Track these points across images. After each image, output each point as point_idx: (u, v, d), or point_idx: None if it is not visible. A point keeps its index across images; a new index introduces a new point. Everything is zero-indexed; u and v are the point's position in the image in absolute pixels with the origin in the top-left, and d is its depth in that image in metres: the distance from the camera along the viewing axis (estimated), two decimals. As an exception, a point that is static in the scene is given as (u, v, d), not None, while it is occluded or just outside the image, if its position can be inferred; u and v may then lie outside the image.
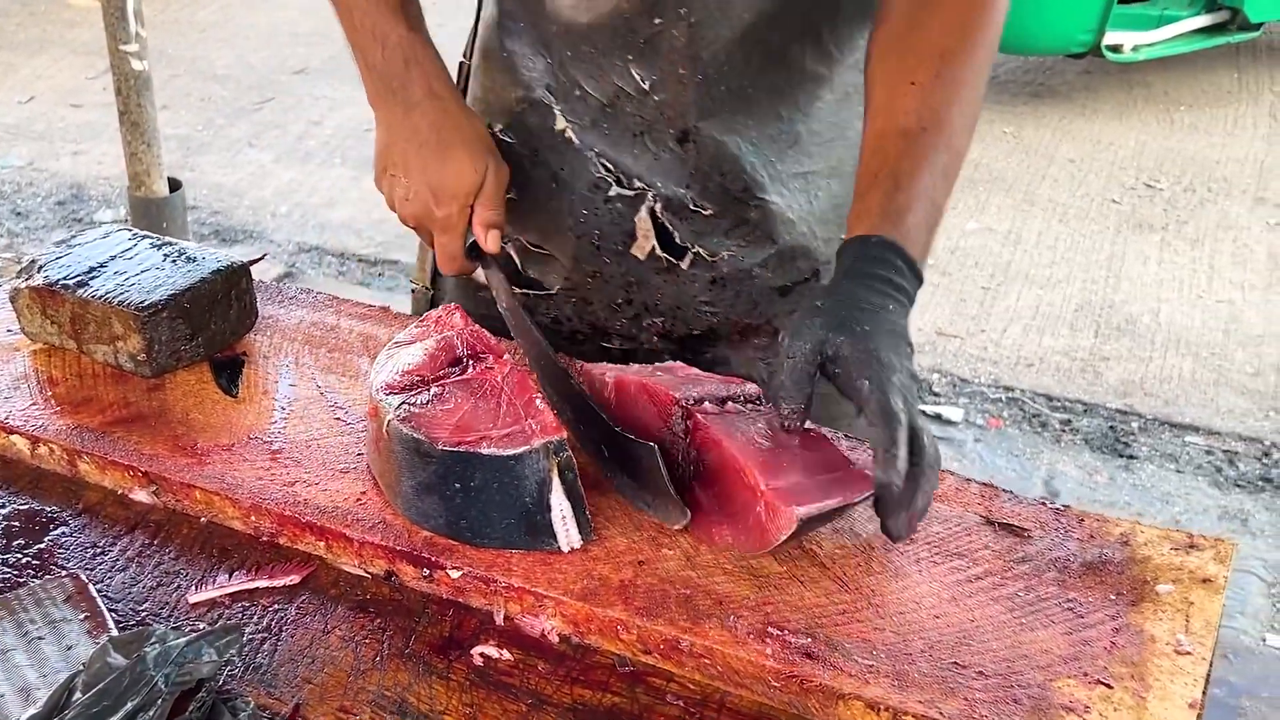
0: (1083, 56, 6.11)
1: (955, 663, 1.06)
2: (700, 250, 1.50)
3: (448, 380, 1.25)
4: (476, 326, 1.34)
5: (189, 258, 1.48)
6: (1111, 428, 3.94)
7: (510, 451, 1.15)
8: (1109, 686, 1.04)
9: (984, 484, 1.27)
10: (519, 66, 1.51)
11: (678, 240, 1.50)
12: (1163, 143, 5.94)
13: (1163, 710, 1.01)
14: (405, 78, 1.41)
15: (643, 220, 1.50)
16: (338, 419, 1.36)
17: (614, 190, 1.49)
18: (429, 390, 1.23)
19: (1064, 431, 3.93)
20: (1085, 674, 1.05)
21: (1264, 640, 3.12)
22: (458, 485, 1.16)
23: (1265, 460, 3.79)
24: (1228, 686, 2.88)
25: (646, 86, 1.42)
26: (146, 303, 1.39)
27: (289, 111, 6.28)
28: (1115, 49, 6.00)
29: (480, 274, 1.57)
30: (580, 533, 1.18)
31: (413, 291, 1.79)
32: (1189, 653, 1.07)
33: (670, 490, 1.18)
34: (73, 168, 5.68)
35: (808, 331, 1.16)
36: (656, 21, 1.38)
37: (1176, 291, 4.69)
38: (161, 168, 4.03)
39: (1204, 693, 1.06)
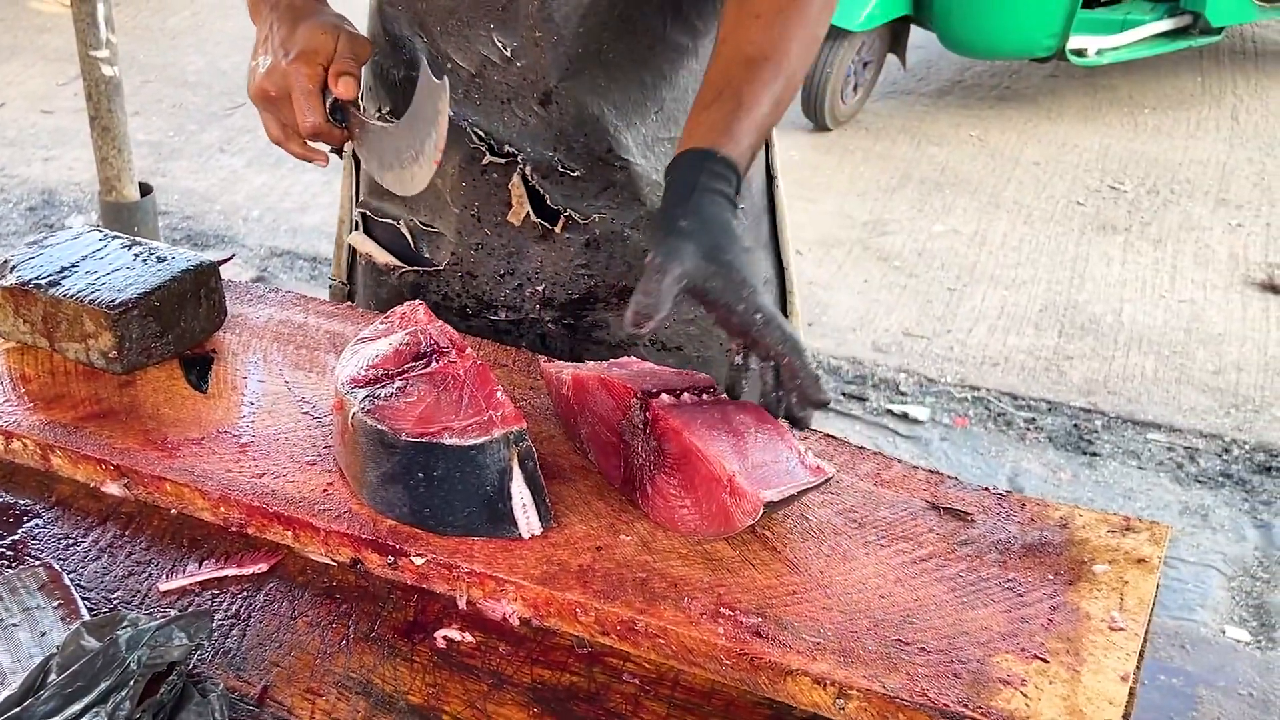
0: (1047, 60, 6.19)
1: (899, 640, 1.10)
2: (573, 213, 1.58)
3: (411, 374, 1.29)
4: (441, 323, 1.37)
5: (159, 257, 1.52)
6: (1075, 426, 4.00)
7: (472, 441, 1.19)
8: (1045, 661, 1.08)
9: (930, 471, 1.32)
10: (401, 48, 1.60)
11: (550, 204, 1.58)
12: (1127, 145, 6.02)
13: (1096, 683, 1.06)
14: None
15: (516, 185, 1.57)
16: (305, 413, 1.39)
17: (488, 159, 1.56)
18: (393, 383, 1.27)
19: (1029, 430, 3.99)
20: (1023, 649, 1.09)
21: (1223, 632, 3.18)
22: (421, 475, 1.20)
23: (1225, 456, 3.86)
24: (1185, 676, 2.95)
25: (509, 54, 1.50)
26: (117, 301, 1.43)
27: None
28: (1079, 53, 6.08)
29: (368, 247, 1.65)
30: (540, 520, 1.22)
31: (330, 286, 1.87)
32: (1122, 629, 1.11)
33: (442, 137, 1.31)
34: (44, 173, 5.68)
35: (679, 256, 1.23)
36: None
37: (1139, 291, 4.76)
38: (132, 173, 4.05)
39: (1137, 667, 1.10)
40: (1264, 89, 6.65)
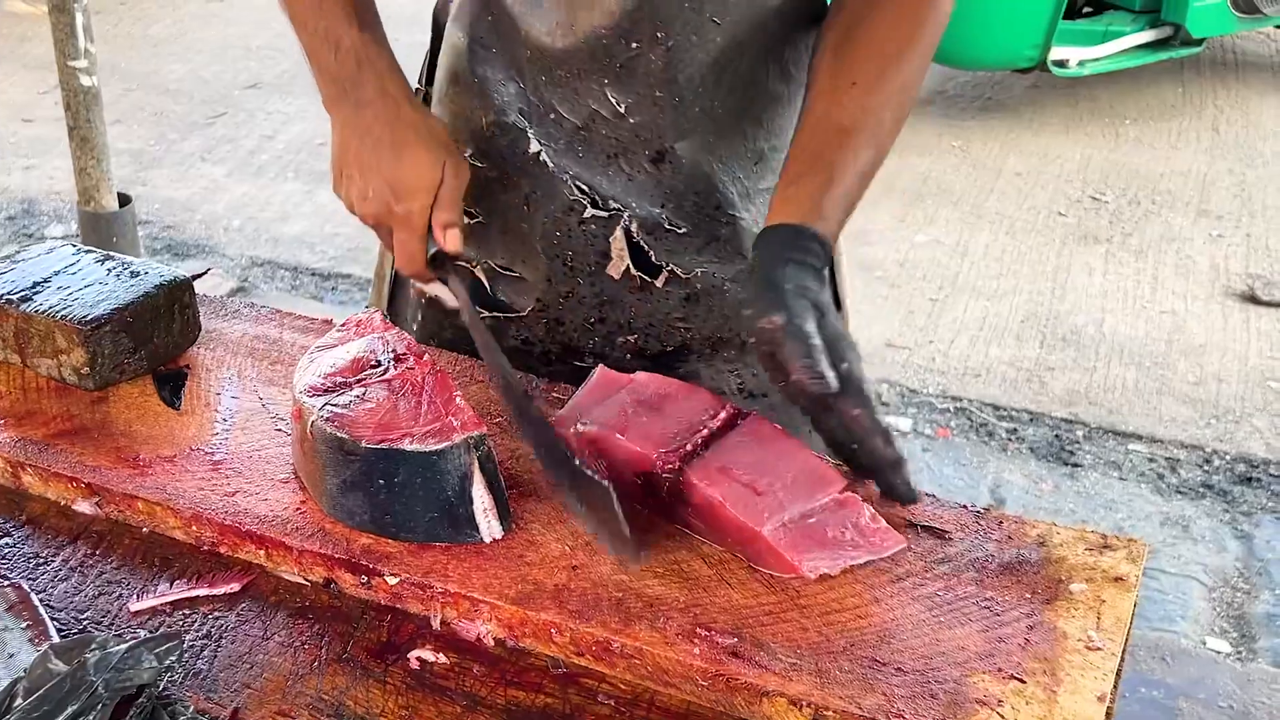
0: (1029, 71, 6.20)
1: (876, 660, 1.10)
2: (675, 268, 1.54)
3: (369, 380, 1.28)
4: (398, 329, 1.37)
5: (133, 272, 1.50)
6: (1057, 436, 4.01)
7: (432, 447, 1.19)
8: (1022, 681, 1.08)
9: (908, 488, 1.31)
10: (490, 91, 1.52)
11: (653, 259, 1.53)
12: (1108, 156, 6.03)
13: (1073, 703, 1.05)
14: (357, 78, 1.40)
15: (617, 240, 1.52)
16: (279, 430, 1.38)
17: (589, 212, 1.51)
18: (351, 391, 1.26)
19: (1010, 441, 3.99)
20: (1000, 669, 1.09)
21: (1204, 643, 3.19)
22: (382, 481, 1.20)
23: (1206, 467, 3.87)
24: (1165, 689, 2.95)
25: (622, 109, 1.45)
26: (90, 317, 1.41)
27: (242, 126, 6.28)
28: (1061, 64, 6.09)
29: (435, 288, 1.59)
30: (501, 524, 1.22)
31: None
32: (1099, 648, 1.11)
33: (627, 533, 1.17)
34: (24, 183, 5.65)
35: (802, 307, 1.22)
36: (634, 46, 1.41)
37: (1121, 302, 4.76)
38: (111, 183, 4.03)
39: (1114, 687, 1.10)
40: (1244, 100, 6.68)
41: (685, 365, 1.61)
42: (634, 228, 1.51)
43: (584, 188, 1.50)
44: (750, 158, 1.53)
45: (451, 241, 1.40)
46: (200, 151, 6.00)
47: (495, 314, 1.61)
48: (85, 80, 3.74)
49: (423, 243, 1.40)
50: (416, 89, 1.66)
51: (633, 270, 1.54)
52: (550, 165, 1.51)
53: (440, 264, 1.43)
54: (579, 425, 1.29)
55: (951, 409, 4.13)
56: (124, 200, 4.12)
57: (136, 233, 4.30)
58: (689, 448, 1.23)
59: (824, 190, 1.33)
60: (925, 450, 3.93)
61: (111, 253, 1.57)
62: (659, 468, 1.22)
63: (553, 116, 1.49)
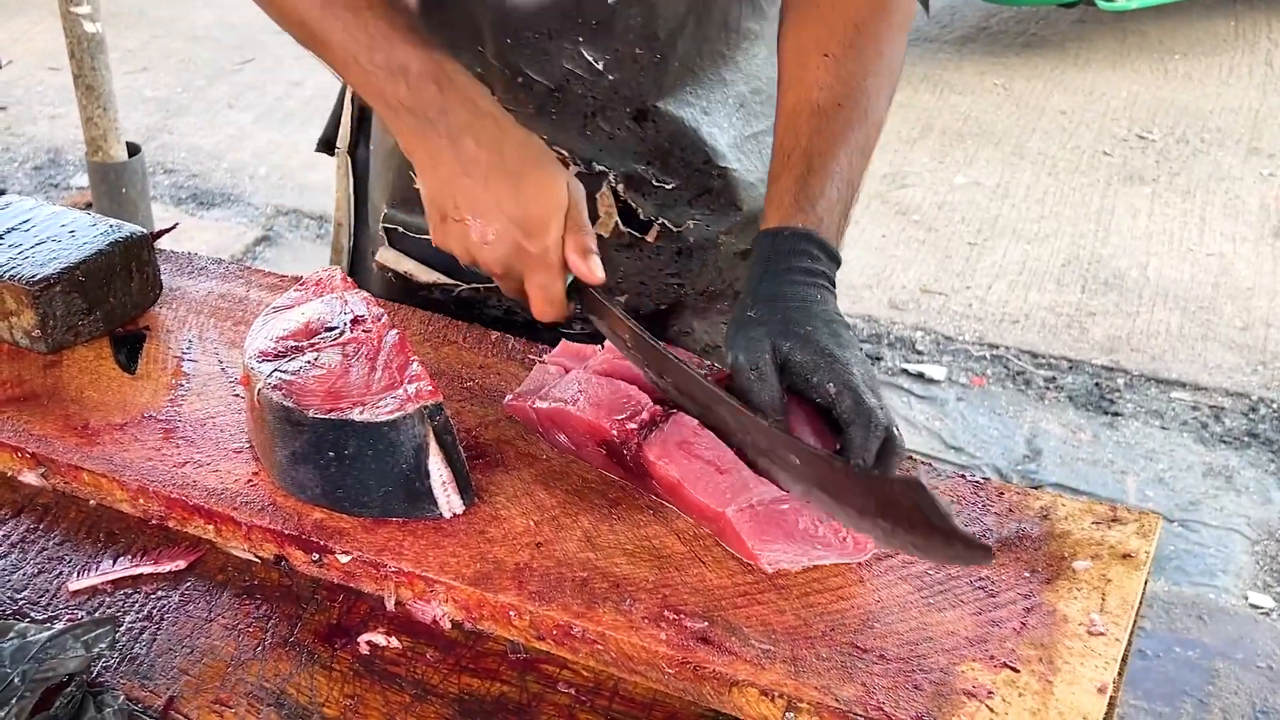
0: (1075, 5, 6.00)
1: (856, 646, 1.01)
2: (666, 222, 1.46)
3: (323, 345, 1.20)
4: (358, 290, 1.28)
5: (90, 228, 1.43)
6: (1097, 384, 3.88)
7: (384, 417, 1.11)
8: (1015, 670, 0.99)
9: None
10: None
11: (641, 216, 1.46)
12: (1156, 93, 5.84)
13: (1070, 695, 0.97)
14: (442, 104, 1.18)
15: (604, 196, 1.45)
16: (237, 395, 1.30)
17: (572, 169, 1.41)
18: (303, 356, 1.18)
19: (1048, 389, 3.87)
20: (992, 657, 1.00)
21: (1246, 599, 3.07)
22: (331, 454, 1.12)
23: (1252, 415, 3.74)
24: (1201, 649, 2.84)
25: (600, 67, 1.37)
26: (39, 277, 1.34)
27: (269, 72, 6.19)
28: (1108, -4, 5.90)
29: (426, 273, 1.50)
30: (462, 498, 1.14)
31: None
32: (1102, 633, 1.02)
33: (959, 528, 0.98)
34: (50, 132, 5.60)
35: (755, 344, 1.12)
36: (610, 2, 1.33)
37: (1166, 245, 4.61)
38: (119, 132, 3.91)
39: (1120, 674, 1.01)
40: (1300, 33, 6.44)
41: (679, 322, 1.55)
42: (620, 187, 1.44)
43: (561, 151, 1.41)
44: (732, 104, 1.45)
45: (596, 269, 1.19)
46: (227, 98, 5.93)
47: (474, 285, 1.52)
48: (89, 26, 3.63)
49: (563, 278, 1.20)
50: None
51: (622, 227, 1.46)
52: None
53: (582, 296, 1.23)
54: (536, 401, 1.21)
55: (988, 356, 4.01)
56: (133, 150, 4.02)
57: (147, 183, 4.19)
58: (645, 416, 1.14)
59: (802, 181, 1.22)
60: (960, 399, 3.82)
61: (73, 208, 1.49)
62: (615, 439, 1.13)
63: (520, 80, 1.39)
